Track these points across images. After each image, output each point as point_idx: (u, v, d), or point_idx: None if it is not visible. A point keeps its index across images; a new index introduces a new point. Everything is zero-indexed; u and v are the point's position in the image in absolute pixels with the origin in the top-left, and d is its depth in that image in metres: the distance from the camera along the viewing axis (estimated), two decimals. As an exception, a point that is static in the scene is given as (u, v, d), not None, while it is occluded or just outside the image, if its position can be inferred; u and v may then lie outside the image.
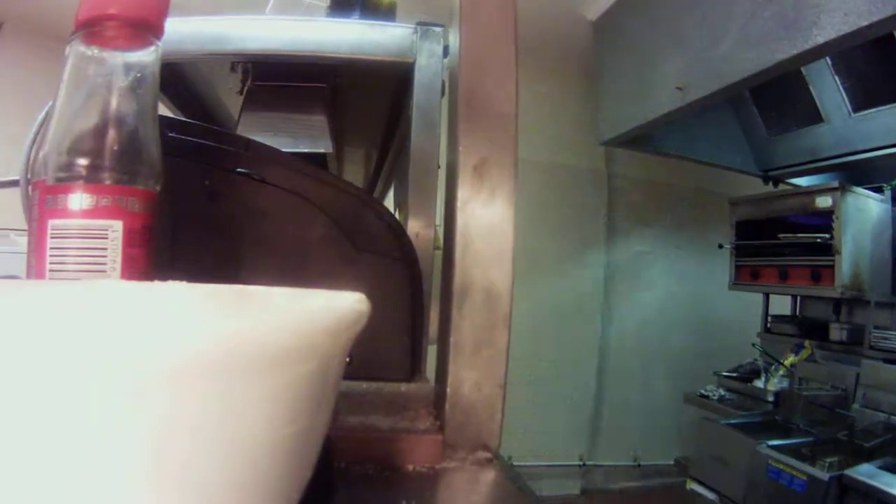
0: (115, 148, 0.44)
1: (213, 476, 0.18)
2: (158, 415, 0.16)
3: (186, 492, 0.18)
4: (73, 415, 0.15)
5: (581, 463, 4.42)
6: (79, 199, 0.42)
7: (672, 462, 4.02)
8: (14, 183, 0.89)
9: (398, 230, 0.67)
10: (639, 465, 4.48)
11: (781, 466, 2.53)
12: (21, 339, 0.14)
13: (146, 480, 0.17)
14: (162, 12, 0.47)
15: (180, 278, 0.34)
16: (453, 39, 0.59)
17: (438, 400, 0.54)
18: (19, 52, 3.97)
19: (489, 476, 0.51)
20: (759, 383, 3.39)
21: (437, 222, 0.90)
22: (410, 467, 0.50)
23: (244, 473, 0.19)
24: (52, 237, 0.42)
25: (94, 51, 0.45)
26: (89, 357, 0.15)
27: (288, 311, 0.20)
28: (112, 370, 0.15)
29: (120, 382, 0.15)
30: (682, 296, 4.65)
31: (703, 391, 3.60)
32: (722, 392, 3.55)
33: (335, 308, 0.20)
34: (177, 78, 1.15)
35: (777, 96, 3.52)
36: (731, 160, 3.96)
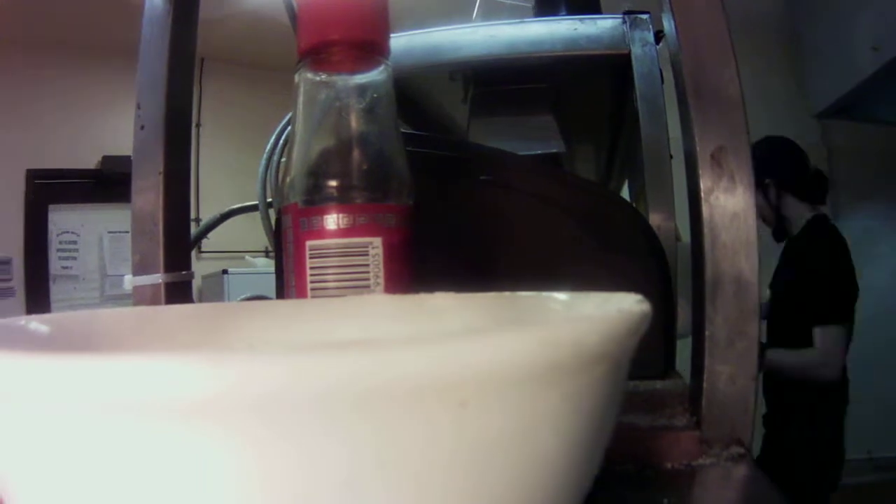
0: (365, 167, 0.46)
1: (520, 490, 0.19)
2: (480, 426, 0.17)
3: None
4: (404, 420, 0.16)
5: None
6: (335, 220, 0.44)
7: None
8: (252, 208, 0.96)
9: (644, 226, 0.66)
10: (871, 459, 4.15)
11: None
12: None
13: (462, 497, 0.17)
14: (384, 31, 0.48)
15: (432, 290, 0.35)
16: (668, 25, 0.57)
17: (694, 395, 0.53)
18: (221, 84, 4.22)
19: (742, 471, 0.49)
20: None
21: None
22: (669, 465, 0.49)
23: (548, 481, 0.19)
24: (311, 257, 0.45)
25: (322, 76, 0.47)
26: (423, 363, 0.15)
27: (588, 316, 0.20)
28: (443, 377, 0.16)
29: (449, 391, 0.16)
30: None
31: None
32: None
33: (625, 311, 0.20)
34: (399, 93, 1.18)
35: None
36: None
